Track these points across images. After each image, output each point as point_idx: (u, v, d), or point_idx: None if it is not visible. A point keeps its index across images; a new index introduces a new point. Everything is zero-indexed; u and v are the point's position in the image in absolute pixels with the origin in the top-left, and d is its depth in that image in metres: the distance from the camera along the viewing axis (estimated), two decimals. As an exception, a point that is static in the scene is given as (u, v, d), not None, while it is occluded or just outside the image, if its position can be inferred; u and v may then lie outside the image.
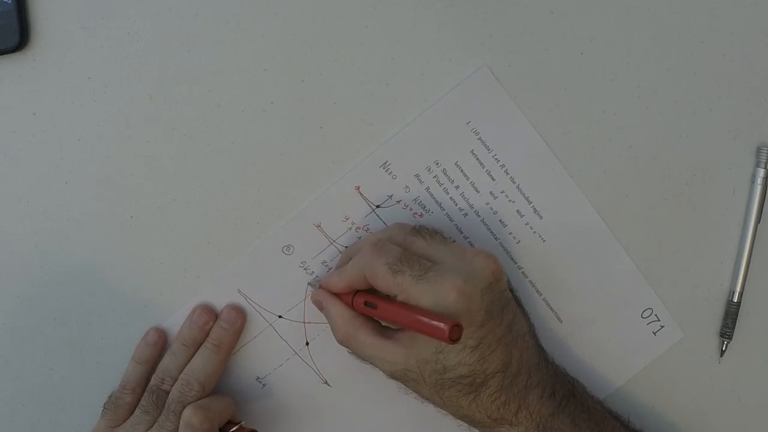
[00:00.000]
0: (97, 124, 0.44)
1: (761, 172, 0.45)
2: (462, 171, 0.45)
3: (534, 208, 0.45)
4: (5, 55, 0.43)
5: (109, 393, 0.45)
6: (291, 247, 0.45)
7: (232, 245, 0.45)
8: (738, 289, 0.46)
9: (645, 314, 0.46)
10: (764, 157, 0.45)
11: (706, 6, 0.44)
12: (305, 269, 0.45)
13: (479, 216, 0.45)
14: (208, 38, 0.44)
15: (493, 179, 0.45)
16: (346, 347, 0.41)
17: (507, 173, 0.45)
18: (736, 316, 0.46)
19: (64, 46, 0.44)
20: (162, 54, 0.44)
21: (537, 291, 0.46)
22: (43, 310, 0.46)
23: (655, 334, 0.47)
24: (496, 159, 0.45)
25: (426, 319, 0.36)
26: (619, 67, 0.44)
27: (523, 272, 0.46)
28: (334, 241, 0.45)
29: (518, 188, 0.45)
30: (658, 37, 0.44)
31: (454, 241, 0.42)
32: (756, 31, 0.44)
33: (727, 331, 0.46)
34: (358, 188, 0.45)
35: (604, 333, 0.47)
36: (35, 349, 0.46)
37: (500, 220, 0.46)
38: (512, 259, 0.46)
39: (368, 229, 0.45)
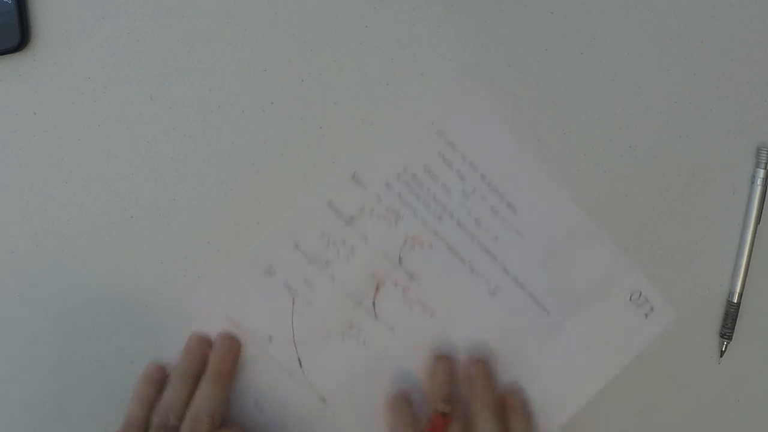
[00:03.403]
0: (97, 124, 0.44)
1: (761, 173, 0.45)
2: (432, 174, 0.45)
3: (508, 203, 0.45)
4: (5, 55, 0.43)
5: (108, 399, 0.45)
6: (272, 269, 0.45)
7: (232, 245, 0.45)
8: (738, 289, 0.46)
9: (633, 297, 0.46)
10: (764, 158, 0.45)
11: (706, 6, 0.44)
12: (288, 289, 0.46)
13: (453, 217, 0.45)
14: (208, 38, 0.44)
15: (462, 178, 0.45)
16: None
17: (477, 170, 0.45)
18: (736, 316, 0.46)
19: (64, 46, 0.44)
20: (162, 54, 0.44)
21: (520, 286, 0.46)
22: (43, 310, 0.46)
23: (646, 316, 0.46)
24: (464, 157, 0.45)
25: None
26: (619, 67, 0.44)
27: (504, 269, 0.46)
28: (314, 259, 0.45)
29: (489, 184, 0.45)
30: (658, 37, 0.44)
31: None
32: (756, 31, 0.44)
33: (726, 332, 0.46)
34: (329, 202, 0.45)
35: (593, 321, 0.46)
36: (35, 348, 0.46)
37: (475, 219, 0.46)
38: (492, 256, 0.46)
39: (345, 240, 0.45)
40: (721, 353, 0.47)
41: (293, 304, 0.46)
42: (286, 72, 0.44)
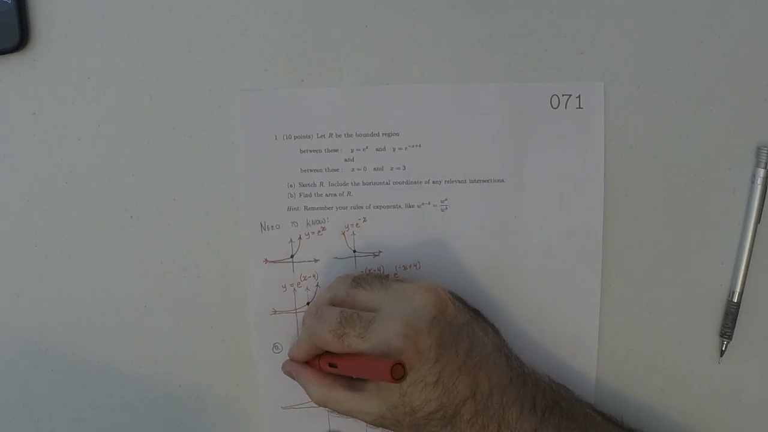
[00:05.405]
0: (97, 124, 0.44)
1: (761, 172, 0.45)
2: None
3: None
4: (5, 55, 0.43)
5: (107, 399, 0.45)
6: (278, 345, 0.46)
7: (232, 245, 0.45)
8: (738, 289, 0.46)
9: None
10: (764, 157, 0.45)
11: (706, 6, 0.44)
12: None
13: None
14: (208, 38, 0.44)
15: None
16: (324, 407, 0.42)
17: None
18: (736, 316, 0.46)
19: (64, 46, 0.44)
20: (162, 54, 0.44)
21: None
22: (42, 310, 0.46)
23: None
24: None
25: (370, 365, 0.37)
26: (619, 67, 0.44)
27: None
28: (297, 310, 0.46)
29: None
30: (658, 37, 0.44)
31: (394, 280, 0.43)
32: (756, 31, 0.44)
33: (726, 331, 0.46)
34: (265, 260, 0.45)
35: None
36: (35, 348, 0.46)
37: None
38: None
39: (319, 285, 0.46)
40: (722, 353, 0.47)
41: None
42: (286, 72, 0.44)
